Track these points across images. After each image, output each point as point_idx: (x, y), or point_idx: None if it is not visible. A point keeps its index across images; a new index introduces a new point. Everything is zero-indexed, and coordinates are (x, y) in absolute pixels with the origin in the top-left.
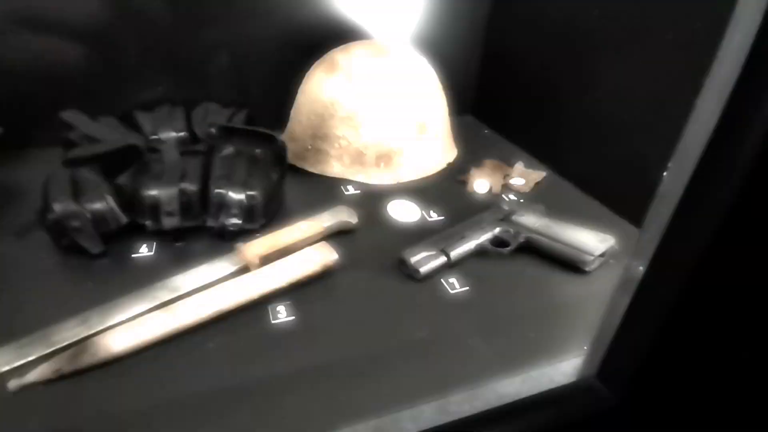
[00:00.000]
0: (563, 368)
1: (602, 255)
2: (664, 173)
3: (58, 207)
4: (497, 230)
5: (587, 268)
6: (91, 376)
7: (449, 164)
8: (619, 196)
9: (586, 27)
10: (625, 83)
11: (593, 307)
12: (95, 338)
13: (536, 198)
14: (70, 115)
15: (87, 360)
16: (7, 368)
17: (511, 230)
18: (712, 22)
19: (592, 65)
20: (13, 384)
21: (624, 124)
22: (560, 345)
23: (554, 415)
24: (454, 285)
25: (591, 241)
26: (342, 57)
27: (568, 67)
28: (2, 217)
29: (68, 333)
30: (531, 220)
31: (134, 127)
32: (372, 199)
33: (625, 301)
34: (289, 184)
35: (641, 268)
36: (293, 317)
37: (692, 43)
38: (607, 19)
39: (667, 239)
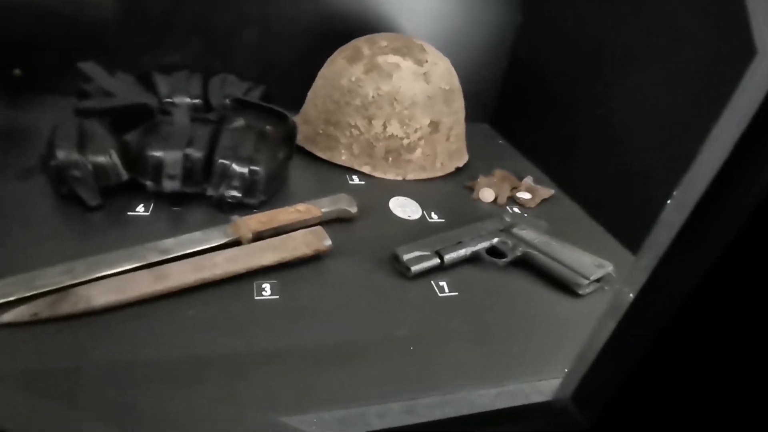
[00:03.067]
0: (541, 387)
1: (598, 280)
2: (668, 201)
3: (61, 154)
4: (495, 240)
5: (581, 291)
6: (69, 325)
7: (458, 168)
8: (622, 224)
9: (614, 49)
10: (644, 109)
11: (581, 331)
12: (78, 288)
13: (540, 214)
14: (87, 67)
15: (66, 308)
16: None
17: (510, 242)
18: (738, 49)
19: (614, 88)
20: None
21: (637, 154)
22: (542, 364)
23: (525, 430)
24: (443, 288)
25: (588, 264)
26: (366, 47)
27: (589, 88)
28: (8, 157)
29: (52, 279)
30: (531, 235)
31: (150, 87)
32: (376, 192)
33: (610, 326)
34: (295, 166)
35: (631, 295)
36: (277, 296)
37: (718, 68)
38: (638, 38)
39: (661, 268)
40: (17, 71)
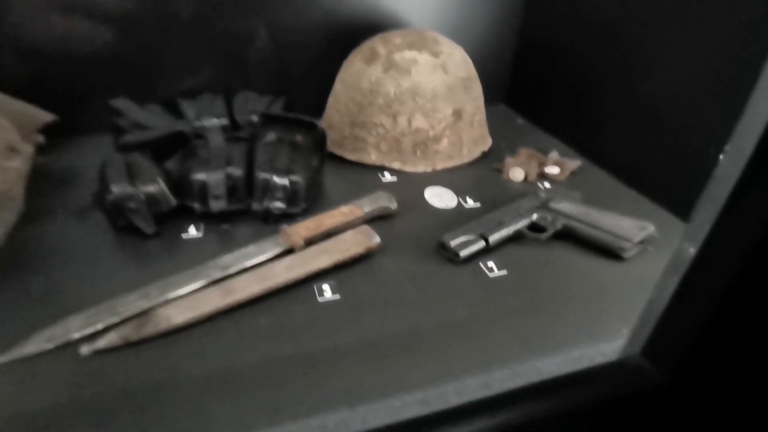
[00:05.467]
0: (603, 349)
1: (641, 242)
2: (721, 155)
3: (116, 189)
4: (534, 216)
5: (625, 255)
6: (154, 344)
7: (484, 153)
8: (657, 185)
9: (630, 14)
10: (670, 72)
11: (632, 293)
12: (157, 310)
13: (572, 187)
14: (119, 103)
15: (151, 329)
16: (78, 335)
17: (549, 217)
18: None
19: (634, 54)
20: (84, 350)
21: (667, 112)
22: (600, 328)
23: (599, 391)
24: (492, 268)
25: (630, 227)
26: (381, 46)
27: (607, 56)
28: (59, 200)
29: (132, 305)
30: (568, 207)
31: (179, 114)
32: (409, 186)
33: (674, 280)
34: (327, 171)
35: (692, 249)
36: (338, 296)
37: (750, 28)
38: (655, 5)
39: (722, 221)
40: (54, 118)
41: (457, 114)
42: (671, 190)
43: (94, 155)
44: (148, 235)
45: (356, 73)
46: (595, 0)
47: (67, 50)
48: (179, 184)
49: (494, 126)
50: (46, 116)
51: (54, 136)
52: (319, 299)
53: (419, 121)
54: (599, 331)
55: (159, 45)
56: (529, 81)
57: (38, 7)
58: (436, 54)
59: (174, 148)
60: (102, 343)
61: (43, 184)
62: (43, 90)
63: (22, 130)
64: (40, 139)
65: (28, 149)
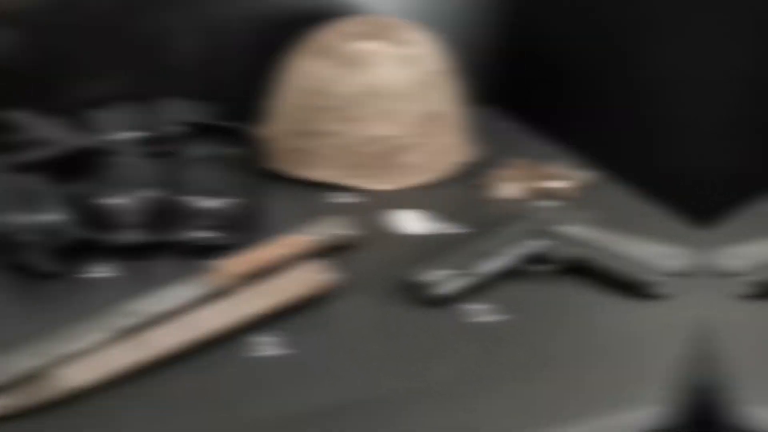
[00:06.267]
0: (633, 419)
1: (676, 274)
2: None
3: (5, 219)
4: (535, 244)
5: (658, 291)
6: (48, 414)
7: (467, 164)
8: (694, 200)
9: None
10: (703, 56)
11: (669, 341)
12: (51, 370)
13: (583, 205)
14: (12, 116)
15: (42, 394)
16: None
17: (554, 244)
18: None
19: (657, 31)
20: None
21: (705, 108)
22: (629, 390)
23: None
24: (482, 312)
25: (660, 255)
26: (331, 38)
27: (624, 37)
28: None
29: (19, 364)
30: (577, 231)
31: (85, 127)
32: (372, 209)
33: None
34: (267, 191)
35: None
36: (281, 351)
37: None
38: None
39: None
40: None
41: (430, 117)
42: (709, 206)
43: None
44: (45, 276)
45: (301, 71)
46: None
47: None
48: (84, 212)
49: (483, 132)
50: None
51: None
52: (256, 355)
53: (381, 127)
54: (628, 395)
55: (64, 47)
56: (524, 76)
57: None
58: (399, 43)
59: (78, 169)
60: None
61: None
62: None
63: None
64: None
65: None
